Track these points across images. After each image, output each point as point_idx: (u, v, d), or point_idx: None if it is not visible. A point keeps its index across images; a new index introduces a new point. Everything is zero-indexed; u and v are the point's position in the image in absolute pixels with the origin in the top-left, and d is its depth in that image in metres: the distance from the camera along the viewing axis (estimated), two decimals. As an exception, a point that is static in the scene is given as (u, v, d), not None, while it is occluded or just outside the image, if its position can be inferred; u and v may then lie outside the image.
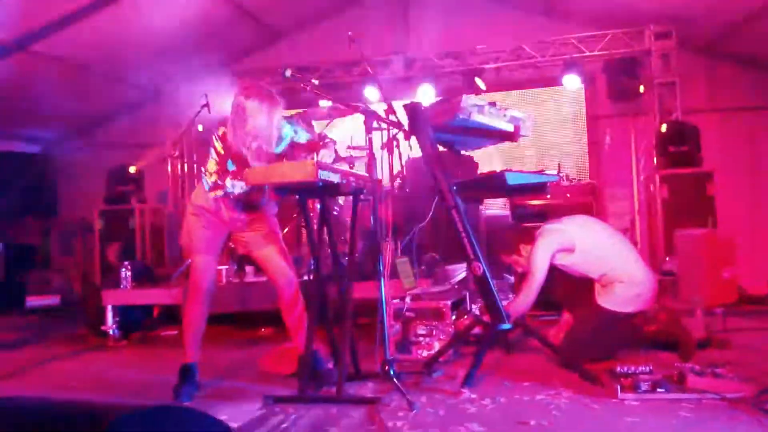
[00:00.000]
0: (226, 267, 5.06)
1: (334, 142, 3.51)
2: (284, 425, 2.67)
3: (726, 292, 4.76)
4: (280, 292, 3.34)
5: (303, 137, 3.45)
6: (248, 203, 3.31)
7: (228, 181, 3.16)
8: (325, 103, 6.04)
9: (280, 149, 3.37)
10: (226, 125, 3.25)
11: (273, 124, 3.23)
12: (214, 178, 3.20)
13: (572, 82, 7.23)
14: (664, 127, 6.52)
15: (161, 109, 8.44)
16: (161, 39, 7.18)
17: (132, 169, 7.72)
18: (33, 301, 7.11)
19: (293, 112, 3.67)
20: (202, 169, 3.30)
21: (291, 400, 2.98)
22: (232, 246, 3.60)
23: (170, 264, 7.48)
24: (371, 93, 7.61)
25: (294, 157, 3.42)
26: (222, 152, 3.22)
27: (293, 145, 3.45)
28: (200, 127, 8.19)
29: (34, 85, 7.22)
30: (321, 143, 3.45)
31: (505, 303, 3.50)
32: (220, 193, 3.20)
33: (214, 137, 3.26)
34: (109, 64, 7.49)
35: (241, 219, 3.32)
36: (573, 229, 3.79)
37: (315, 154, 3.40)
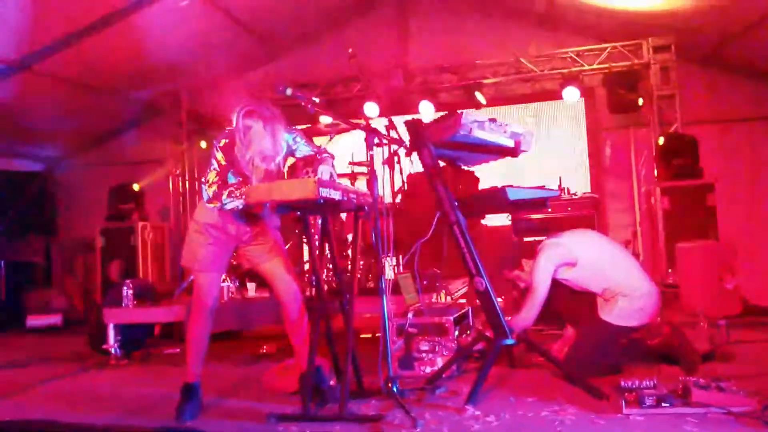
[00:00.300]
0: (228, 284, 5.06)
1: (333, 157, 3.51)
2: (288, 444, 2.66)
3: (729, 303, 4.74)
4: (285, 306, 3.32)
5: (302, 150, 3.45)
6: (249, 215, 3.30)
7: (224, 197, 3.16)
8: (326, 120, 6.07)
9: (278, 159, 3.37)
10: (229, 136, 3.25)
11: (278, 143, 3.24)
12: (214, 188, 3.20)
13: (572, 95, 7.27)
14: (661, 140, 6.55)
15: (162, 126, 8.49)
16: (162, 56, 7.23)
17: (136, 187, 7.74)
18: (34, 320, 7.10)
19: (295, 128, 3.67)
20: (202, 179, 3.29)
21: (294, 419, 2.96)
22: (235, 263, 3.59)
23: (172, 281, 7.49)
24: (371, 108, 7.64)
25: (295, 171, 3.42)
26: (224, 163, 3.21)
27: (295, 160, 3.46)
28: (203, 144, 8.26)
29: (37, 104, 7.28)
30: (319, 157, 3.44)
31: (508, 318, 3.49)
32: (217, 204, 3.19)
33: (215, 148, 3.25)
34: (110, 82, 7.53)
35: (248, 232, 3.32)
36: (574, 243, 3.79)
37: (315, 171, 3.40)
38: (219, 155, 3.22)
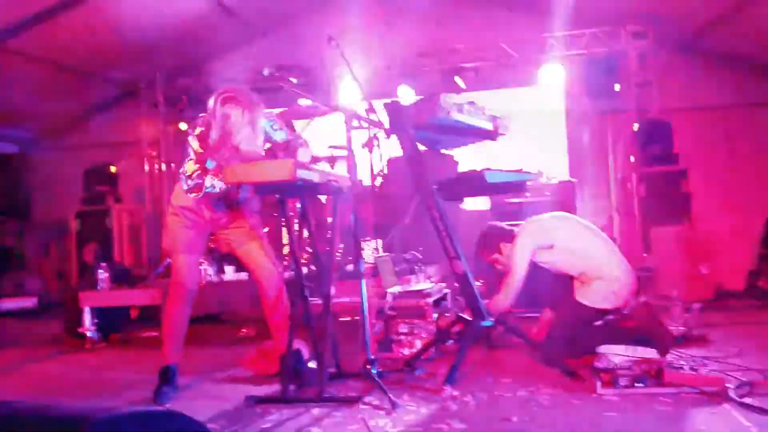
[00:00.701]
0: (206, 267, 5.02)
1: (307, 142, 3.48)
2: (266, 425, 2.66)
3: (703, 287, 4.85)
4: (263, 289, 3.31)
5: (279, 136, 3.42)
6: (228, 202, 3.29)
7: (207, 179, 3.13)
8: (304, 102, 6.01)
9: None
10: (204, 124, 3.20)
11: (257, 129, 3.21)
12: (194, 179, 3.17)
13: (549, 74, 7.28)
14: (636, 126, 6.61)
15: (138, 107, 8.36)
16: (138, 36, 7.11)
17: (113, 169, 7.64)
18: (8, 303, 7.00)
19: (273, 111, 3.63)
20: (181, 170, 3.25)
21: (273, 401, 2.97)
22: (213, 246, 3.57)
23: (148, 264, 7.42)
24: (351, 92, 7.60)
25: (273, 157, 3.40)
26: (200, 151, 3.17)
27: (272, 146, 3.44)
28: (183, 125, 8.14)
29: (9, 84, 7.11)
30: (296, 142, 3.42)
31: (486, 301, 3.51)
32: (199, 194, 3.16)
33: (190, 137, 3.21)
34: (85, 62, 7.40)
35: (225, 217, 3.30)
36: (552, 226, 3.83)
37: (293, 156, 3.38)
38: (195, 144, 3.18)
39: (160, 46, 7.50)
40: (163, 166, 8.34)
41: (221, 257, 5.32)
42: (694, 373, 2.85)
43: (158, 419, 1.74)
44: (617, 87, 7.21)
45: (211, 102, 3.18)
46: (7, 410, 1.69)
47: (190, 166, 3.18)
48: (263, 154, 3.35)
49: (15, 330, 5.98)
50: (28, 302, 7.09)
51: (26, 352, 4.73)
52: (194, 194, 3.17)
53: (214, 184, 3.13)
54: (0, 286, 7.21)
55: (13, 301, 7.03)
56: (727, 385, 2.74)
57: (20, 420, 1.59)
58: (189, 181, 3.16)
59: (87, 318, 4.78)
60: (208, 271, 5.03)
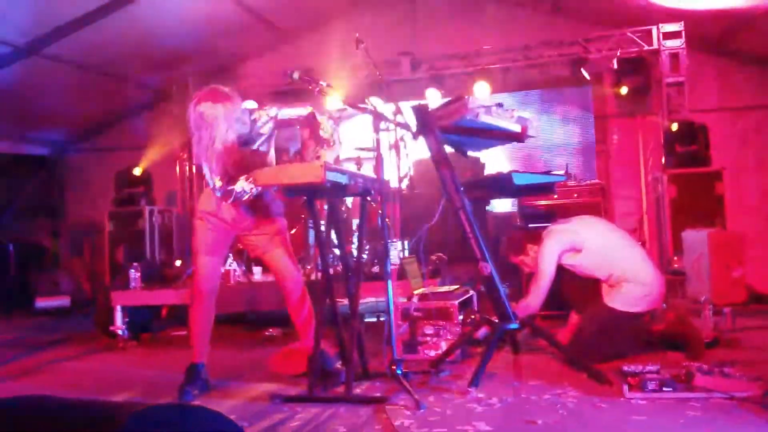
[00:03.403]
0: (235, 268, 5.09)
1: (337, 142, 3.48)
2: (293, 424, 2.69)
3: (735, 291, 4.75)
4: (287, 293, 3.37)
5: (286, 112, 3.43)
6: (253, 206, 3.32)
7: (238, 185, 3.16)
8: (332, 105, 6.06)
9: (258, 143, 3.36)
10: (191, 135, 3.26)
11: (232, 120, 3.18)
12: (220, 184, 3.22)
13: (578, 75, 7.22)
14: (675, 126, 6.49)
15: (170, 110, 8.49)
16: (170, 41, 7.24)
17: (137, 171, 7.77)
18: (42, 302, 7.17)
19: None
20: (207, 178, 3.28)
21: (300, 400, 3.00)
22: (241, 247, 3.62)
23: (179, 265, 7.53)
24: (378, 97, 7.62)
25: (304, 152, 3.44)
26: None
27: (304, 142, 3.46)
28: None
29: (45, 88, 7.29)
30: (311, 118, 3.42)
31: (513, 303, 3.50)
32: (230, 200, 3.20)
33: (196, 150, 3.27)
34: (119, 67, 7.54)
35: (248, 221, 3.34)
36: (580, 229, 3.80)
37: (318, 148, 3.39)
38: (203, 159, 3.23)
39: (191, 51, 7.62)
40: (194, 169, 8.46)
41: (250, 259, 5.39)
42: (724, 378, 2.80)
43: (192, 414, 1.78)
44: (648, 87, 7.12)
45: (191, 108, 3.20)
46: (44, 405, 1.74)
47: (216, 180, 3.22)
48: (264, 148, 3.35)
49: (48, 328, 6.12)
50: (62, 301, 7.25)
51: (59, 350, 4.84)
52: (227, 201, 3.22)
53: (244, 188, 3.16)
54: (35, 285, 7.38)
55: (47, 300, 7.19)
56: (759, 390, 2.69)
57: (57, 415, 1.64)
58: (218, 191, 3.21)
59: (118, 317, 4.88)
60: (237, 271, 5.10)
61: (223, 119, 3.15)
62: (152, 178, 7.99)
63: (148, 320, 5.24)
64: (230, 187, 3.18)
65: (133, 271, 5.00)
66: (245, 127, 3.31)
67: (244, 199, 3.21)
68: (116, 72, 7.63)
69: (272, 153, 3.46)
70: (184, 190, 8.50)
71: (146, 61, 7.63)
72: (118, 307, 4.89)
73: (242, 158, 3.25)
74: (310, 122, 3.45)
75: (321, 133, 3.42)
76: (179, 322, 5.30)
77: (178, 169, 8.45)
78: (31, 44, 6.34)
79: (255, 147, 3.34)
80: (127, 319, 4.91)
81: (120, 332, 4.87)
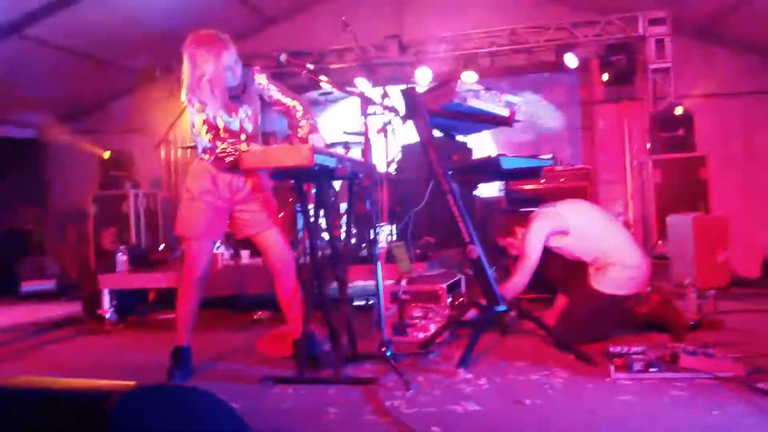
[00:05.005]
0: (222, 251, 5.08)
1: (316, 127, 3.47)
2: (284, 405, 2.70)
3: (718, 275, 4.83)
4: (278, 276, 3.34)
5: (275, 95, 3.41)
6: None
7: (218, 150, 3.18)
8: (324, 88, 6.03)
9: (250, 107, 3.35)
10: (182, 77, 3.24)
11: (222, 65, 3.17)
12: (208, 137, 3.20)
13: (572, 60, 7.23)
14: (680, 109, 6.52)
15: (154, 94, 8.41)
16: (154, 24, 7.15)
17: (105, 155, 7.71)
18: (28, 285, 7.12)
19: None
20: (192, 130, 3.25)
21: (290, 381, 3.01)
22: (229, 231, 3.59)
23: (165, 249, 7.49)
24: (363, 82, 7.60)
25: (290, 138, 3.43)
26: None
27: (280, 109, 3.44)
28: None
29: (27, 70, 7.19)
30: (298, 111, 3.40)
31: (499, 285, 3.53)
32: (211, 157, 3.20)
33: (186, 102, 3.23)
34: (102, 50, 7.45)
35: (243, 188, 3.30)
36: (567, 212, 3.83)
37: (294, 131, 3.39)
38: (191, 101, 3.20)
39: (175, 34, 7.50)
40: (179, 153, 8.41)
41: (238, 242, 5.37)
42: (709, 358, 2.85)
43: (183, 394, 1.79)
44: (634, 73, 7.16)
45: (183, 48, 3.20)
46: (34, 386, 1.74)
47: (198, 123, 3.20)
48: (231, 95, 3.30)
49: (35, 312, 6.08)
50: (48, 285, 7.21)
51: (46, 334, 4.81)
52: (207, 156, 3.21)
53: (226, 150, 3.17)
54: (20, 270, 7.32)
55: (33, 284, 7.14)
56: (742, 371, 2.75)
57: (48, 396, 1.64)
58: (204, 139, 3.20)
59: (106, 300, 4.86)
60: (225, 254, 5.09)
61: (214, 65, 3.13)
62: (136, 162, 7.93)
63: (135, 304, 5.23)
64: (215, 143, 3.18)
65: (120, 254, 4.98)
66: (235, 79, 3.27)
67: (225, 162, 3.19)
68: (99, 54, 7.54)
69: (258, 126, 3.43)
70: (169, 174, 8.44)
71: (130, 44, 7.53)
72: (106, 291, 4.87)
73: (231, 111, 3.23)
74: (292, 115, 3.42)
75: (299, 131, 3.39)
76: (166, 305, 5.28)
77: (162, 152, 8.39)
78: (13, 24, 6.24)
79: (243, 111, 3.30)
80: (115, 302, 4.90)
81: (107, 315, 4.85)
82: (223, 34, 3.26)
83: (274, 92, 3.43)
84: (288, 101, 3.44)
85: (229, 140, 3.22)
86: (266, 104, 3.46)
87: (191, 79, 3.16)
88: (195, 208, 3.27)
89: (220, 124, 3.22)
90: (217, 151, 3.19)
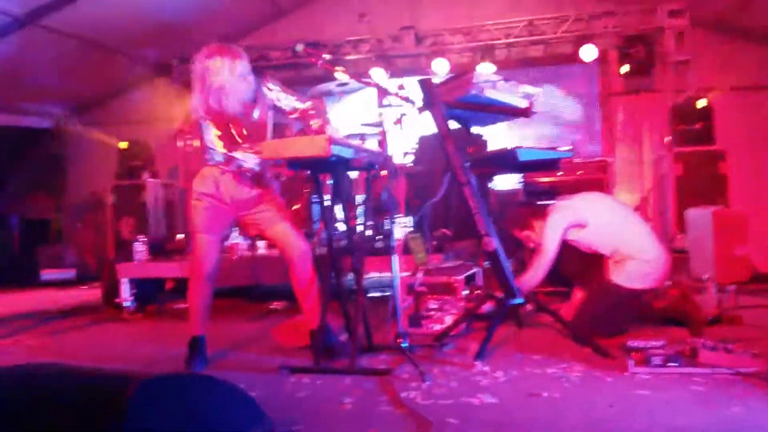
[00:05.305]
0: (239, 241, 5.10)
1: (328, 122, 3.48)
2: (300, 394, 2.71)
3: (738, 269, 4.76)
4: (293, 267, 3.33)
5: (287, 101, 3.42)
6: (253, 179, 3.30)
7: (239, 156, 3.18)
8: (340, 78, 5.99)
9: (262, 116, 3.36)
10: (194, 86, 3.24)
11: (237, 77, 3.18)
12: (224, 150, 3.22)
13: (588, 53, 7.16)
14: (706, 101, 6.44)
15: (171, 84, 8.45)
16: (170, 14, 7.18)
17: (123, 145, 7.76)
18: (48, 273, 7.21)
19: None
20: (206, 142, 3.26)
21: (306, 371, 3.02)
22: (240, 229, 3.59)
23: (182, 238, 7.54)
24: (380, 71, 7.58)
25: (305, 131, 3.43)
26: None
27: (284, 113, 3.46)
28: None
29: (44, 60, 7.24)
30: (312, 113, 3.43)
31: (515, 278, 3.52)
32: (230, 167, 3.21)
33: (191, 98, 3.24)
34: (119, 40, 7.48)
35: (247, 199, 3.30)
36: (585, 205, 3.80)
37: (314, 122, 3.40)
38: (202, 117, 3.22)
39: (192, 25, 7.55)
40: (196, 143, 8.43)
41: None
42: (728, 353, 2.82)
43: (199, 383, 1.80)
44: (652, 65, 7.08)
45: (194, 63, 3.21)
46: (57, 371, 1.76)
47: (213, 135, 3.21)
48: (263, 116, 3.35)
49: (54, 300, 6.16)
50: (68, 273, 7.29)
51: (65, 322, 4.87)
52: (228, 167, 3.21)
53: (246, 156, 3.17)
54: (40, 258, 7.41)
55: (53, 272, 7.23)
56: (763, 366, 2.71)
57: (70, 381, 1.66)
58: (219, 152, 3.20)
59: (125, 289, 4.91)
60: (241, 244, 5.11)
61: (228, 74, 3.14)
62: (154, 152, 7.98)
63: (153, 293, 5.27)
64: (232, 153, 3.18)
65: (139, 243, 5.01)
66: (249, 89, 3.28)
67: (245, 167, 3.21)
68: (117, 45, 7.58)
69: (271, 125, 3.44)
70: (186, 164, 8.48)
71: (146, 35, 7.57)
72: (125, 280, 4.92)
73: (245, 121, 3.25)
74: (306, 116, 3.43)
75: (312, 125, 3.40)
76: (183, 295, 5.31)
77: (180, 142, 8.42)
78: (30, 14, 6.28)
79: (256, 116, 3.32)
80: (134, 291, 4.94)
81: (126, 304, 4.90)
82: (235, 45, 3.28)
83: (287, 99, 3.44)
84: (301, 105, 3.46)
85: (245, 145, 3.23)
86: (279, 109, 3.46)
87: (206, 90, 3.17)
88: (198, 206, 3.28)
89: (234, 132, 3.22)
90: (237, 158, 3.19)
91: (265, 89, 3.37)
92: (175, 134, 8.09)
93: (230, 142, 3.24)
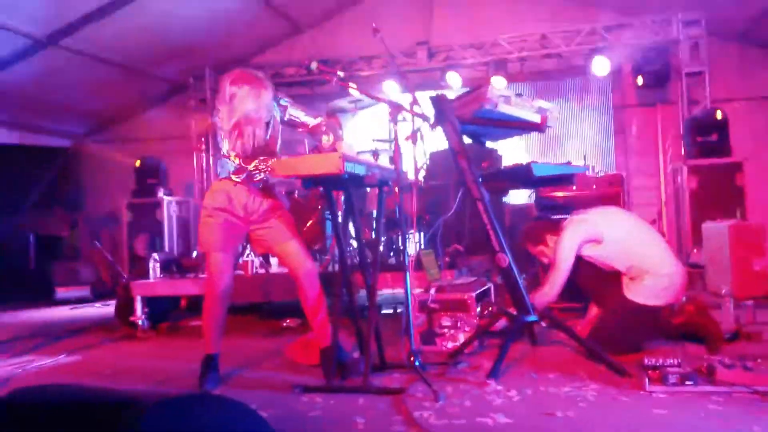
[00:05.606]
0: (253, 259, 5.11)
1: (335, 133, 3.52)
2: (313, 414, 2.70)
3: (756, 284, 4.69)
4: (302, 287, 3.32)
5: (297, 115, 3.48)
6: (263, 192, 3.33)
7: (251, 168, 3.21)
8: (353, 94, 6.02)
9: (274, 133, 3.40)
10: (217, 107, 3.30)
11: (262, 106, 3.25)
12: (237, 161, 3.24)
13: (601, 66, 7.14)
14: (690, 117, 6.43)
15: (187, 103, 8.55)
16: (186, 33, 7.27)
17: (137, 163, 7.84)
18: (63, 291, 7.26)
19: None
20: (222, 152, 3.30)
21: (319, 390, 3.01)
22: (250, 246, 3.61)
23: (197, 255, 7.58)
24: (393, 85, 7.61)
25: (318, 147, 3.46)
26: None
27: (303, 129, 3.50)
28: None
29: (63, 80, 7.36)
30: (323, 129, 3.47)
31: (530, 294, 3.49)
32: (243, 175, 3.24)
33: (215, 119, 3.29)
34: (136, 59, 7.59)
35: (259, 211, 3.32)
36: (601, 220, 3.76)
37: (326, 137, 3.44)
38: (224, 131, 3.27)
39: (207, 43, 7.65)
40: (211, 160, 8.52)
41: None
42: (747, 371, 2.77)
43: (214, 404, 1.79)
44: (668, 77, 7.04)
45: (221, 85, 3.27)
46: (68, 393, 1.76)
47: (226, 147, 3.26)
48: (276, 136, 3.39)
49: (69, 318, 6.19)
50: (82, 291, 7.34)
51: (79, 340, 4.89)
52: (238, 176, 3.24)
53: (258, 167, 3.21)
54: (55, 275, 7.47)
55: (67, 290, 7.28)
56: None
57: (82, 402, 1.66)
58: (234, 162, 3.23)
59: (138, 307, 4.92)
60: (255, 262, 5.12)
61: (253, 103, 3.21)
62: (169, 170, 8.05)
63: (167, 310, 5.29)
64: (245, 165, 3.21)
65: (152, 261, 5.04)
66: (269, 115, 3.33)
67: (256, 179, 3.22)
68: (133, 64, 7.68)
69: (280, 140, 3.47)
70: (201, 181, 8.56)
71: (163, 54, 7.67)
72: (138, 297, 4.94)
73: (259, 139, 3.29)
74: (316, 131, 3.48)
75: (324, 141, 3.44)
76: (198, 312, 5.32)
77: (195, 160, 8.51)
78: (50, 36, 6.39)
79: (269, 133, 3.35)
80: (146, 309, 4.96)
81: (140, 322, 4.91)
82: (260, 72, 3.35)
83: (298, 116, 3.49)
84: (311, 120, 3.51)
85: (260, 157, 3.25)
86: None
87: (230, 116, 3.22)
88: (211, 223, 3.28)
89: (248, 149, 3.26)
90: (250, 169, 3.22)
91: (275, 104, 3.41)
92: (191, 151, 8.18)
93: (244, 156, 3.26)
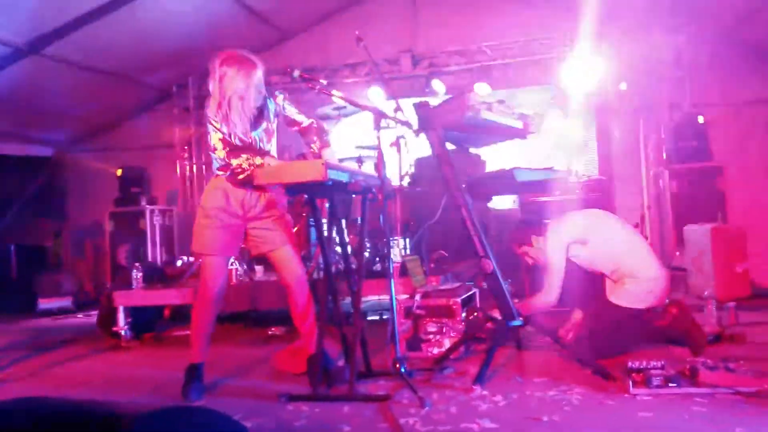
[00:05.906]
0: (236, 267, 5.09)
1: (323, 129, 3.53)
2: (298, 423, 2.68)
3: (738, 286, 4.75)
4: (290, 291, 3.32)
5: (290, 111, 3.48)
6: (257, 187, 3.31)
7: (234, 162, 3.18)
8: (337, 103, 6.04)
9: (268, 125, 3.38)
10: (208, 91, 3.30)
11: (252, 85, 3.22)
12: (223, 154, 3.21)
13: (578, 69, 7.16)
14: (670, 122, 6.50)
15: (171, 111, 8.50)
16: (170, 41, 7.24)
17: (118, 172, 7.79)
18: (45, 303, 7.17)
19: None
20: (210, 147, 3.28)
21: (304, 398, 3.00)
22: (244, 247, 3.59)
23: (180, 265, 7.53)
24: (377, 93, 7.62)
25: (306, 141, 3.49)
26: (216, 121, 3.23)
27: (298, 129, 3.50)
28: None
29: (46, 88, 7.28)
30: (315, 126, 3.50)
31: (516, 300, 3.50)
32: (227, 172, 3.21)
33: (207, 118, 3.25)
34: (119, 67, 7.53)
35: (257, 205, 3.29)
36: (586, 221, 3.80)
37: (315, 144, 3.46)
38: (213, 118, 3.23)
39: (191, 51, 7.61)
40: (194, 169, 8.47)
41: (252, 258, 5.38)
42: (729, 373, 2.80)
43: (198, 416, 1.78)
44: (649, 81, 7.10)
45: (211, 66, 3.25)
46: (48, 406, 1.74)
47: (215, 139, 3.22)
48: (269, 125, 3.38)
49: (51, 329, 6.12)
50: (65, 302, 7.25)
51: (63, 351, 4.84)
52: (223, 172, 3.22)
53: (242, 165, 3.17)
54: (38, 286, 7.38)
55: (50, 301, 7.19)
56: (765, 385, 2.68)
57: (63, 417, 1.64)
58: (219, 154, 3.21)
59: (121, 317, 4.88)
60: (239, 270, 5.09)
61: (244, 80, 3.18)
62: (152, 179, 8.00)
63: (150, 320, 5.24)
64: (231, 160, 3.19)
65: (135, 271, 5.00)
66: (260, 97, 3.30)
67: (239, 178, 3.20)
68: (117, 72, 7.62)
69: (274, 143, 3.46)
70: (184, 189, 8.51)
71: (146, 61, 7.62)
72: (121, 308, 4.89)
73: (254, 127, 3.28)
74: (307, 132, 3.48)
75: (312, 147, 3.45)
76: (182, 321, 5.29)
77: (178, 168, 8.46)
78: (32, 44, 6.33)
79: (261, 128, 3.33)
80: (129, 320, 4.91)
81: (123, 332, 4.87)
82: (251, 53, 3.32)
83: (292, 112, 3.49)
84: (304, 119, 3.51)
85: (244, 155, 3.22)
86: (282, 123, 3.50)
87: (220, 96, 3.20)
88: (209, 225, 3.26)
89: (237, 141, 3.24)
90: (233, 166, 3.20)
91: (272, 98, 3.40)
92: (174, 159, 8.12)
93: (230, 150, 3.23)
